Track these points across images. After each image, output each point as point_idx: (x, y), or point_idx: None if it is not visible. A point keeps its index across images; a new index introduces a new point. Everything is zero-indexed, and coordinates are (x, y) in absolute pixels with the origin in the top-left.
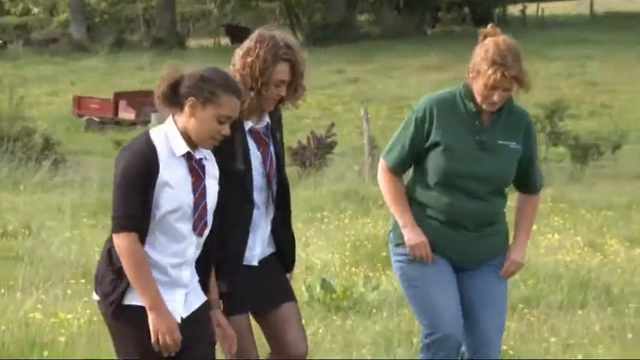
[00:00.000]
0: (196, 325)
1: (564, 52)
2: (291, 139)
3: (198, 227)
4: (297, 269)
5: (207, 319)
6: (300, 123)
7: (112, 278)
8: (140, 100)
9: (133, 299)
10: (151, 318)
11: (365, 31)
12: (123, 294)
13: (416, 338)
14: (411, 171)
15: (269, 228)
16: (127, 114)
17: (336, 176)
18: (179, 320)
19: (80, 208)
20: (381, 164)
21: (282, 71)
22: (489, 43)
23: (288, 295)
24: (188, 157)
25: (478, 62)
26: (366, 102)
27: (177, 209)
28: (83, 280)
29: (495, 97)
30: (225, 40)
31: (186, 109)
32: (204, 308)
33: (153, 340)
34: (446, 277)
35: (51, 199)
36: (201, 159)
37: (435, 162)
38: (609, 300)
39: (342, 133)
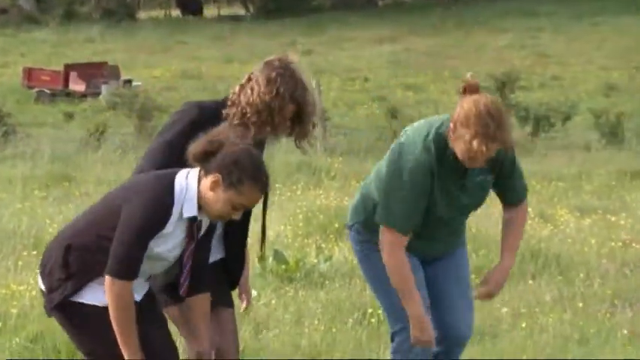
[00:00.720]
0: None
1: (515, 23)
2: None
3: (182, 287)
4: (251, 239)
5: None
6: None
7: (60, 277)
8: (90, 72)
9: (80, 297)
10: None
11: (317, 4)
12: (66, 297)
13: (370, 309)
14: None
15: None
16: (77, 86)
17: (288, 148)
18: None
19: (31, 179)
20: (389, 236)
21: (289, 111)
22: (470, 107)
23: (227, 302)
24: (192, 220)
25: (459, 127)
26: (318, 74)
27: (161, 259)
28: (35, 252)
29: (478, 164)
30: (175, 12)
31: (209, 181)
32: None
33: None
34: (414, 263)
35: (1, 171)
36: (201, 220)
37: None
38: (560, 269)
39: None
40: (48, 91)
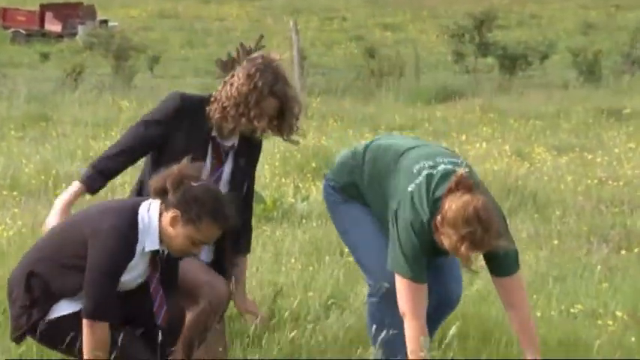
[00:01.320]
0: None
1: None
2: (221, 51)
3: (160, 316)
4: None
5: None
6: (229, 35)
7: (24, 304)
8: (66, 12)
9: (49, 316)
10: None
11: None
12: (34, 323)
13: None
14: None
15: None
16: (53, 26)
17: None
18: None
19: (7, 120)
20: (409, 284)
21: (270, 106)
22: (460, 210)
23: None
24: (154, 252)
25: (446, 226)
26: (296, 13)
27: (125, 286)
28: (15, 193)
29: (464, 260)
30: None
31: (169, 217)
32: None
33: None
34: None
35: None
36: (164, 251)
37: None
38: (536, 207)
39: (271, 45)
40: (24, 32)
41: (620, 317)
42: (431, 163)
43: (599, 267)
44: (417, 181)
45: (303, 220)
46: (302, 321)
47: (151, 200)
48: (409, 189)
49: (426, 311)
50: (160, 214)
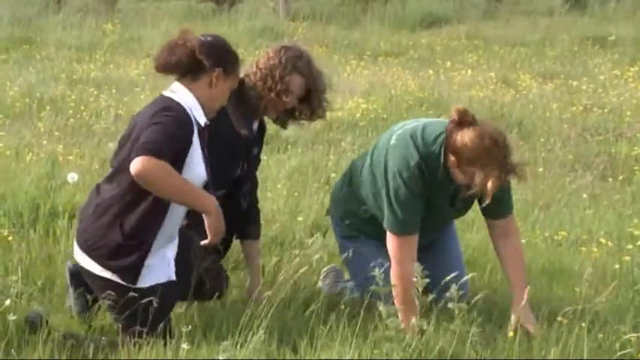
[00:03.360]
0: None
1: None
2: None
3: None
4: None
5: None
6: None
7: (132, 249)
8: None
9: (150, 280)
10: (211, 220)
11: None
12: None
13: (333, 174)
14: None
15: None
16: None
17: (251, 13)
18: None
19: None
20: (399, 238)
21: (296, 83)
22: (477, 143)
23: None
24: (202, 128)
25: (465, 164)
26: None
27: (196, 181)
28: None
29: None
30: None
31: (209, 79)
32: None
33: (211, 240)
34: None
35: None
36: (205, 127)
37: None
38: (521, 135)
39: None
40: None
41: (604, 244)
42: (413, 123)
43: (584, 195)
44: (399, 132)
45: (289, 147)
46: (287, 246)
47: (168, 91)
48: (392, 142)
49: (415, 255)
50: (192, 92)
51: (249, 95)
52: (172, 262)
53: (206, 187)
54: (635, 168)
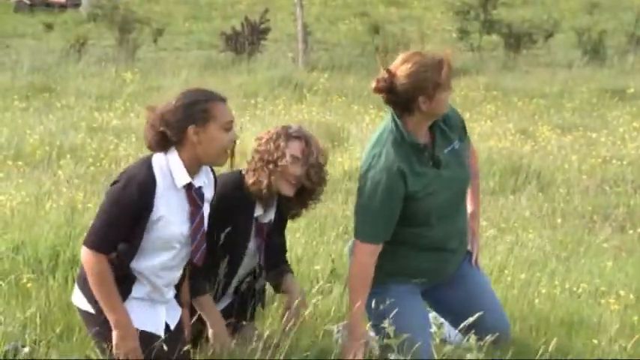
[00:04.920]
0: (181, 334)
1: None
2: (225, 25)
3: (197, 254)
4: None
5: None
6: (234, 9)
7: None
8: None
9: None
10: (116, 335)
11: None
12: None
13: (351, 223)
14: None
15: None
16: None
17: (270, 63)
18: (162, 334)
19: (11, 90)
20: (363, 248)
21: (293, 147)
22: (407, 69)
23: None
24: (188, 187)
25: (428, 81)
26: None
27: (171, 239)
28: (20, 163)
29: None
30: None
31: (190, 139)
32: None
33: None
34: (413, 291)
35: None
36: (200, 187)
37: (415, 207)
38: (540, 186)
39: (275, 20)
40: (27, 1)
41: (624, 296)
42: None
43: (604, 245)
44: (365, 154)
45: None
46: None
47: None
48: (373, 152)
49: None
50: (177, 153)
51: (248, 184)
52: (163, 321)
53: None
54: None
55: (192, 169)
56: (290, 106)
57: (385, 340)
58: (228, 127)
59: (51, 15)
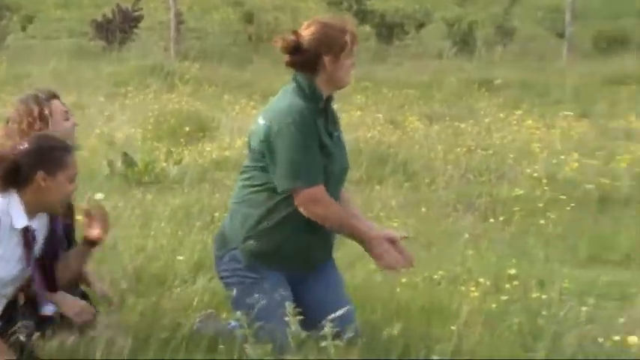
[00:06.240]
0: None
1: None
2: (97, 12)
3: (41, 297)
4: (98, 143)
5: None
6: None
7: None
8: None
9: None
10: None
11: None
12: None
13: (217, 213)
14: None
15: None
16: None
17: (142, 51)
18: None
19: None
20: (309, 193)
21: None
22: (314, 29)
23: None
24: (25, 229)
25: (334, 39)
26: None
27: (4, 277)
28: None
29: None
30: None
31: (36, 183)
32: None
33: None
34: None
35: None
36: (34, 230)
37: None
38: (406, 175)
39: (148, 8)
40: None
41: (483, 283)
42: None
43: (465, 234)
44: (265, 112)
45: (175, 185)
46: (169, 284)
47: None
48: (262, 122)
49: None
50: (18, 195)
51: None
52: None
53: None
54: (515, 209)
55: (31, 213)
56: (161, 95)
57: (240, 330)
58: (73, 179)
59: None
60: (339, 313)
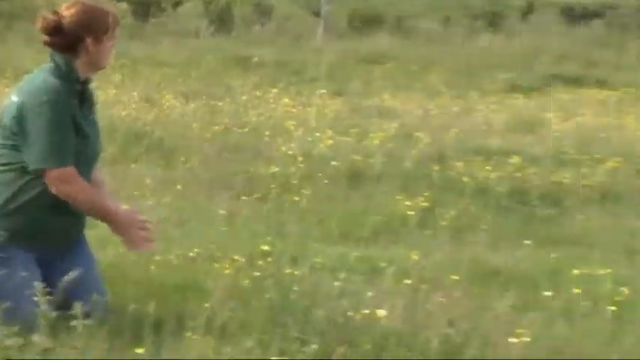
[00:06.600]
0: None
1: None
2: None
3: None
4: None
5: None
6: None
7: None
8: None
9: None
10: None
11: None
12: None
13: None
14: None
15: None
16: None
17: None
18: None
19: None
20: (60, 173)
21: None
22: (88, 1)
23: None
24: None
25: (97, 21)
26: None
27: None
28: None
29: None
30: None
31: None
32: None
33: None
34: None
35: None
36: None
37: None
38: (162, 154)
39: None
40: None
41: (238, 260)
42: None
43: (220, 212)
44: (19, 87)
45: None
46: None
47: None
48: (14, 98)
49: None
50: None
51: None
52: None
53: None
54: (272, 186)
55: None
56: None
57: None
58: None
59: None
60: (89, 292)
